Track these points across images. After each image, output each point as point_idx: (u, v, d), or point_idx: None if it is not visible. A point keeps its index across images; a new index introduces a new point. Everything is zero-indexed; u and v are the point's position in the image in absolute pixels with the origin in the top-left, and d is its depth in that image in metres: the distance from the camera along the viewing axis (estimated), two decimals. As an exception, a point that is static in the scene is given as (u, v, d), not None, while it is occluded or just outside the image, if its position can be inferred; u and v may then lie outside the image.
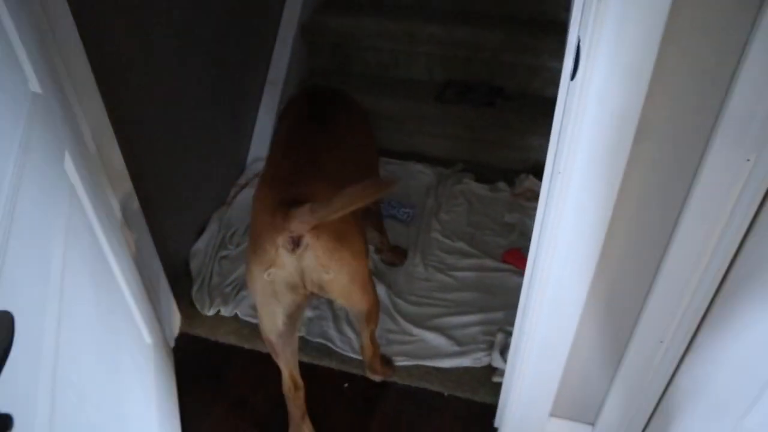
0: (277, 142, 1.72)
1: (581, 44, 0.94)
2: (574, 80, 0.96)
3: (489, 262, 2.20)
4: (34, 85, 1.14)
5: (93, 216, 1.36)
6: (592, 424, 1.55)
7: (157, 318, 1.81)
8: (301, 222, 1.31)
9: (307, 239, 1.35)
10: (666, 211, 1.08)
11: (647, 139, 0.99)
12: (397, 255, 2.24)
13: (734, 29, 0.86)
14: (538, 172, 2.01)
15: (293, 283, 1.42)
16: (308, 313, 2.05)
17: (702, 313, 1.21)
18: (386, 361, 1.90)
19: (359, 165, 1.70)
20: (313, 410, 1.81)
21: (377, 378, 1.87)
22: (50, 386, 0.86)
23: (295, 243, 1.35)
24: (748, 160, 0.95)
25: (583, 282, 1.23)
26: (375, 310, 1.67)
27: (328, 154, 1.57)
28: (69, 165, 1.26)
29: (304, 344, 1.97)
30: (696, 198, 1.02)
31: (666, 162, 1.02)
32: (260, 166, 2.63)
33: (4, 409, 0.52)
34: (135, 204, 1.72)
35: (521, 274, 1.44)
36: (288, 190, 1.40)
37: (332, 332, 1.98)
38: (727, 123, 0.92)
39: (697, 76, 0.91)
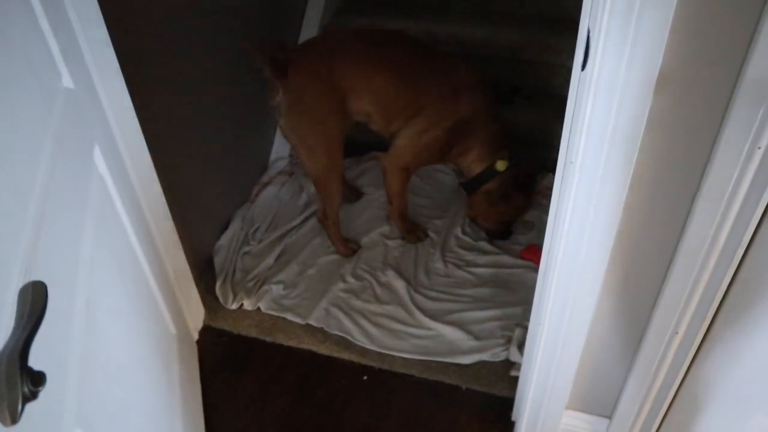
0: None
1: (591, 35, 0.96)
2: (585, 70, 0.99)
3: (507, 259, 2.22)
4: (67, 81, 1.20)
5: (121, 208, 1.41)
6: (609, 417, 1.56)
7: (181, 310, 1.87)
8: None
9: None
10: (679, 199, 1.09)
11: (658, 127, 1.00)
12: (412, 229, 2.33)
13: (744, 17, 0.87)
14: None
15: None
16: (324, 304, 2.09)
17: (718, 303, 1.21)
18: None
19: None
20: (332, 403, 1.84)
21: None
22: (79, 362, 0.91)
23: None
24: (760, 147, 0.96)
25: (597, 272, 1.25)
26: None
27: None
28: (98, 158, 1.32)
29: (324, 337, 2.00)
30: (708, 187, 1.03)
31: (677, 150, 1.03)
32: (282, 164, 2.68)
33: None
34: (161, 199, 1.77)
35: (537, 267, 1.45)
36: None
37: (349, 324, 2.02)
38: (738, 111, 0.93)
39: (707, 64, 0.93)
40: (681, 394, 1.43)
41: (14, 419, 0.50)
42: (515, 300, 2.05)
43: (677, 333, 1.29)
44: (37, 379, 0.53)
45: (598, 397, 1.53)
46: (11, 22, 0.96)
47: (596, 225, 1.15)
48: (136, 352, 1.30)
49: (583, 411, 1.58)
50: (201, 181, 2.19)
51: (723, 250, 1.12)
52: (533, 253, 2.21)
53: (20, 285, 0.64)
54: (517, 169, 2.16)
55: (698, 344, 1.30)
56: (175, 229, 1.84)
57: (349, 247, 2.28)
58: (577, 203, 1.14)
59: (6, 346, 0.54)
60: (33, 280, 0.64)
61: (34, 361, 0.56)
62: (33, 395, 0.52)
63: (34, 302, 0.59)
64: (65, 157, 1.07)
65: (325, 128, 2.01)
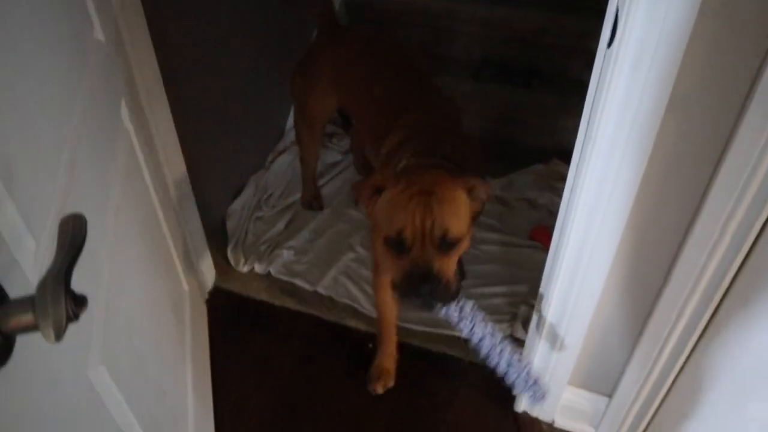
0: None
1: (619, 13, 0.97)
2: (611, 48, 1.00)
3: (516, 239, 2.24)
4: (98, 33, 1.21)
5: (144, 164, 1.44)
6: (609, 395, 1.59)
7: (194, 269, 1.90)
8: None
9: None
10: (695, 181, 1.11)
11: (680, 107, 1.01)
12: None
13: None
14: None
15: None
16: (333, 272, 2.13)
17: (725, 289, 1.23)
18: None
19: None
20: (335, 368, 1.88)
21: None
22: (105, 303, 0.94)
23: None
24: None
25: (608, 251, 1.27)
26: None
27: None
28: (125, 113, 1.34)
29: (332, 304, 2.04)
30: (725, 169, 1.05)
31: (697, 132, 1.05)
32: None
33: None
34: (179, 159, 1.80)
35: (547, 251, 1.47)
36: None
37: (357, 293, 2.05)
38: (762, 94, 0.94)
39: (733, 45, 0.94)
40: (682, 378, 1.46)
41: (59, 337, 0.53)
42: (522, 278, 2.08)
43: (683, 315, 1.31)
44: (80, 301, 0.56)
45: (600, 375, 1.56)
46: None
47: (611, 202, 1.17)
48: (151, 304, 1.33)
49: (584, 388, 1.61)
50: (217, 146, 2.21)
51: (734, 236, 1.13)
52: (542, 234, 2.23)
53: (58, 218, 0.66)
54: None
55: (703, 329, 1.33)
56: (192, 190, 1.86)
57: (312, 198, 2.36)
58: (594, 180, 1.16)
59: (50, 270, 0.56)
60: (72, 213, 0.66)
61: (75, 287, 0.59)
62: (75, 316, 0.55)
63: (74, 232, 0.61)
64: (96, 109, 1.09)
65: (313, 97, 2.05)
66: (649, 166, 1.11)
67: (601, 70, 1.05)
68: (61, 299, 0.53)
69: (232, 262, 2.17)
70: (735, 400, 1.45)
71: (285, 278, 2.11)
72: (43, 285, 0.55)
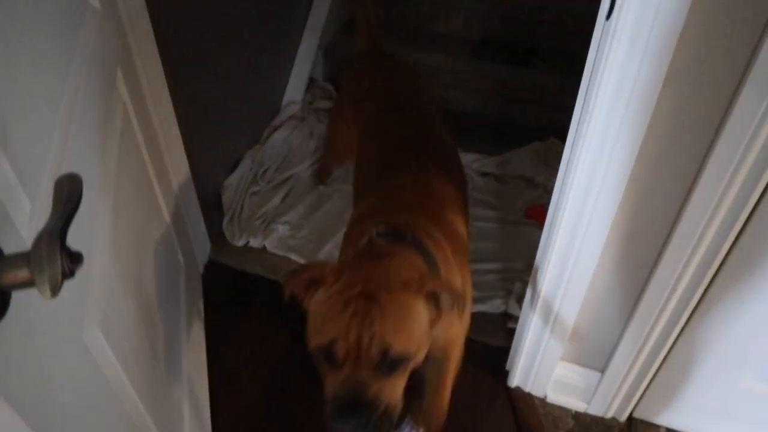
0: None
1: (621, -17, 0.96)
2: (610, 20, 0.99)
3: (511, 216, 2.24)
4: (94, 0, 1.20)
5: (139, 133, 1.43)
6: (602, 371, 1.60)
7: (190, 241, 1.90)
8: None
9: None
10: (690, 156, 1.11)
11: (678, 80, 1.01)
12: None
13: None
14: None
15: None
16: (328, 247, 2.12)
17: (718, 264, 1.24)
18: None
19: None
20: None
21: None
22: (101, 267, 0.94)
23: None
24: (776, 107, 0.98)
25: (603, 227, 1.27)
26: None
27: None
28: (120, 82, 1.33)
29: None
30: (721, 144, 1.05)
31: (694, 106, 1.04)
32: (295, 108, 2.69)
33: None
34: (175, 131, 1.79)
35: (542, 229, 1.47)
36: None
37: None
38: (760, 66, 0.94)
39: (732, 18, 0.93)
40: (674, 353, 1.48)
41: (54, 291, 0.53)
42: (516, 255, 2.09)
43: (676, 290, 1.31)
44: (75, 258, 0.56)
45: (592, 350, 1.57)
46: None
47: (607, 177, 1.17)
48: (147, 272, 1.33)
49: (577, 363, 1.62)
50: (213, 120, 2.20)
51: (728, 212, 1.14)
52: (538, 213, 2.23)
53: (53, 178, 0.66)
54: None
55: (695, 305, 1.34)
56: (187, 162, 1.86)
57: (324, 171, 2.37)
58: (590, 154, 1.16)
59: (46, 227, 0.56)
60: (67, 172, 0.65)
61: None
62: (71, 272, 0.55)
63: (70, 191, 0.61)
64: (92, 73, 1.08)
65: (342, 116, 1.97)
66: (645, 141, 1.11)
67: (600, 42, 1.05)
68: (56, 254, 0.53)
69: (228, 236, 2.17)
70: (727, 374, 1.47)
71: (280, 253, 2.11)
72: (38, 241, 0.55)
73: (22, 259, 0.55)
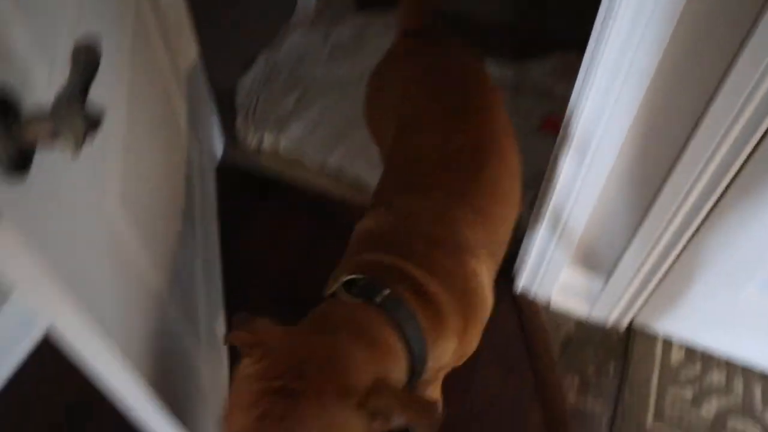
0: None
1: None
2: None
3: (526, 124, 2.22)
4: None
5: (155, 31, 1.40)
6: (607, 276, 1.62)
7: (202, 139, 1.90)
8: None
9: None
10: (712, 68, 1.08)
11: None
12: None
13: None
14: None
15: None
16: (342, 148, 2.11)
17: (735, 170, 1.23)
18: None
19: None
20: (341, 241, 1.92)
21: None
22: (122, 141, 0.95)
23: None
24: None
25: (619, 135, 1.26)
26: None
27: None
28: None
29: (339, 179, 2.05)
30: (746, 56, 1.02)
31: (720, 14, 1.01)
32: (311, 4, 2.61)
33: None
34: (187, 27, 1.75)
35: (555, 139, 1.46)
36: None
37: (366, 169, 2.06)
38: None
39: None
40: (680, 261, 1.49)
41: (78, 145, 0.54)
42: (528, 163, 2.07)
43: (689, 198, 1.31)
44: (97, 112, 0.56)
45: (599, 255, 1.59)
46: None
47: (628, 76, 1.15)
48: (162, 164, 1.34)
49: (583, 267, 1.64)
50: (226, 13, 2.15)
51: (749, 120, 1.12)
52: (553, 125, 2.20)
53: (71, 42, 0.65)
54: None
55: (707, 212, 1.34)
56: (201, 63, 1.83)
57: None
58: (610, 60, 1.14)
59: (66, 87, 0.56)
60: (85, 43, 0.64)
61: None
62: (94, 126, 0.55)
63: (88, 54, 0.60)
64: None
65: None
66: (667, 49, 1.08)
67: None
68: (78, 110, 0.54)
69: (241, 136, 2.16)
70: (730, 282, 1.50)
71: (294, 152, 2.11)
72: (59, 99, 0.55)
73: (44, 114, 0.55)
